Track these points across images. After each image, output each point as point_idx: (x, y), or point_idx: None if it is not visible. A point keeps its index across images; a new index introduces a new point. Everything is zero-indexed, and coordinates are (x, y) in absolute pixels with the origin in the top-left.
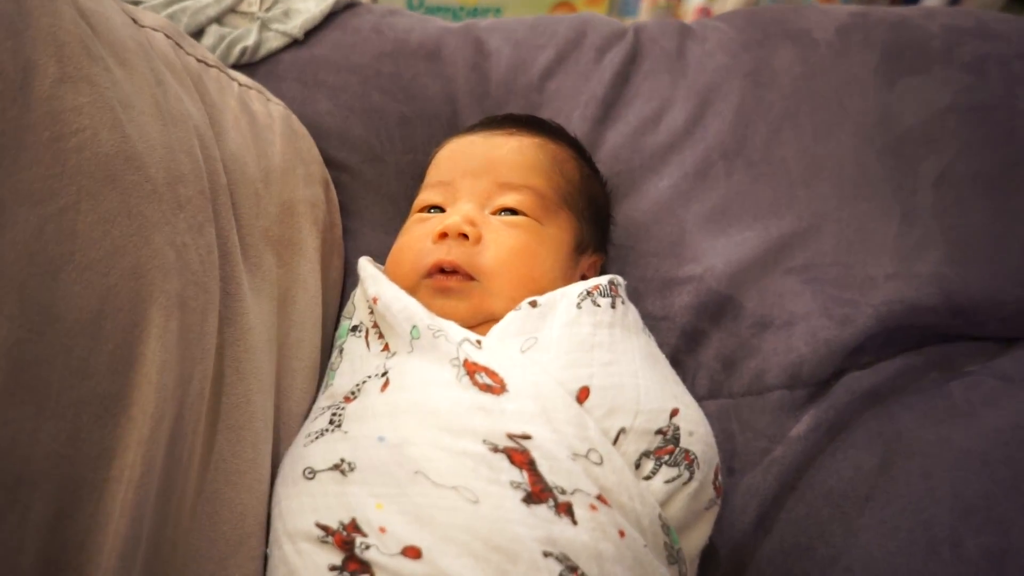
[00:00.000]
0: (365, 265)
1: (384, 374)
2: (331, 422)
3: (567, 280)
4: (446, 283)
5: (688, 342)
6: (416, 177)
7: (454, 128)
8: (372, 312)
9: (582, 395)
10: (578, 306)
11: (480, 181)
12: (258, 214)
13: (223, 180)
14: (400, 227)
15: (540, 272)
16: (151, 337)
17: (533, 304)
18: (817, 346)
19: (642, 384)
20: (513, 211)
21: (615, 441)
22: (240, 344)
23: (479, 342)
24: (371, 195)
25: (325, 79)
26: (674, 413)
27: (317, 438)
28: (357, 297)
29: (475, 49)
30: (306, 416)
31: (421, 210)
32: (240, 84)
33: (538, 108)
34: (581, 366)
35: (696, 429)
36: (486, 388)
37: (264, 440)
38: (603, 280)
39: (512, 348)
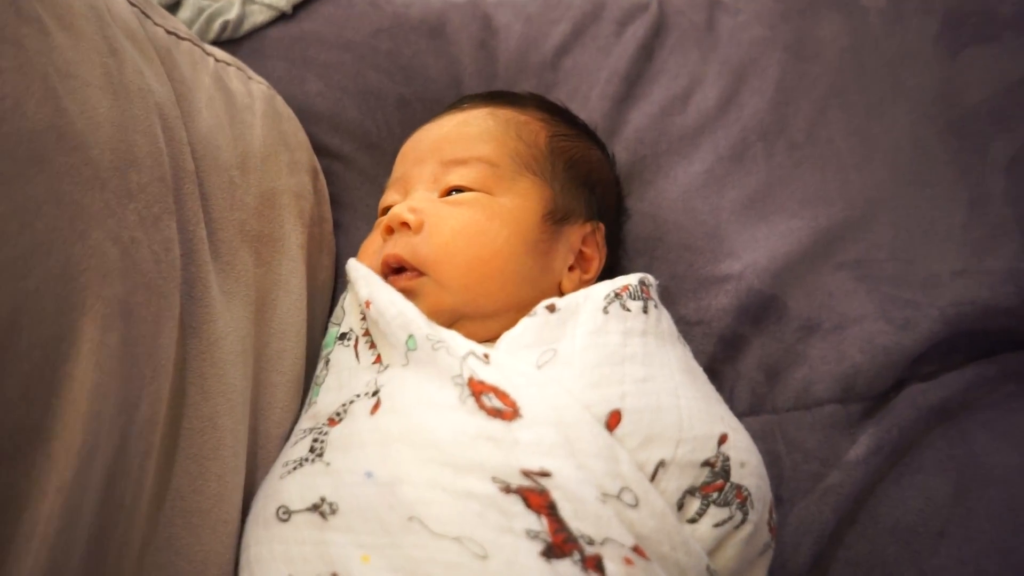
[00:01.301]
0: (356, 265)
1: (375, 393)
2: (312, 450)
3: (539, 256)
4: (397, 283)
5: (726, 349)
6: None
7: None
8: (364, 318)
9: (612, 420)
10: (604, 311)
11: (424, 165)
12: (232, 205)
13: (190, 166)
14: None
15: (492, 250)
16: (81, 354)
17: (551, 308)
18: (874, 354)
19: (684, 404)
20: (459, 189)
21: (653, 477)
22: (206, 357)
23: (487, 356)
24: (366, 185)
25: (315, 57)
26: (722, 440)
27: (295, 468)
28: (347, 301)
29: (482, 25)
30: (287, 439)
31: (382, 211)
32: (216, 60)
33: (552, 88)
34: (611, 384)
35: (748, 459)
36: (495, 413)
37: (233, 470)
38: (632, 280)
39: (526, 362)
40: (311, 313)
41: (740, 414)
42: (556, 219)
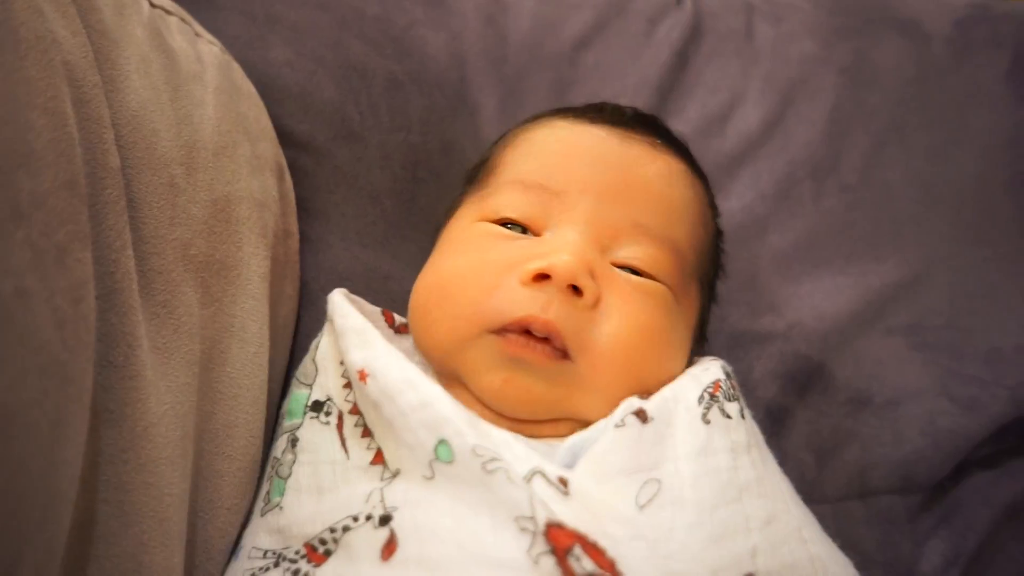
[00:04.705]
0: (342, 307)
1: (385, 520)
2: None
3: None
4: (527, 353)
5: (772, 423)
6: (409, 166)
7: (463, 101)
8: (349, 384)
9: None
10: (704, 419)
11: (612, 210)
12: (173, 219)
13: (114, 160)
14: (386, 236)
15: (665, 370)
16: None
17: (641, 416)
18: (937, 437)
19: (815, 553)
20: (638, 271)
21: None
22: (130, 458)
23: (564, 481)
24: (343, 188)
25: (283, 15)
26: None
27: None
28: (322, 352)
29: None
30: (232, 552)
31: (496, 220)
32: (153, 4)
33: (571, 86)
34: (736, 534)
35: None
36: None
37: None
38: (719, 373)
39: (623, 499)
40: (272, 368)
41: None
42: (698, 340)
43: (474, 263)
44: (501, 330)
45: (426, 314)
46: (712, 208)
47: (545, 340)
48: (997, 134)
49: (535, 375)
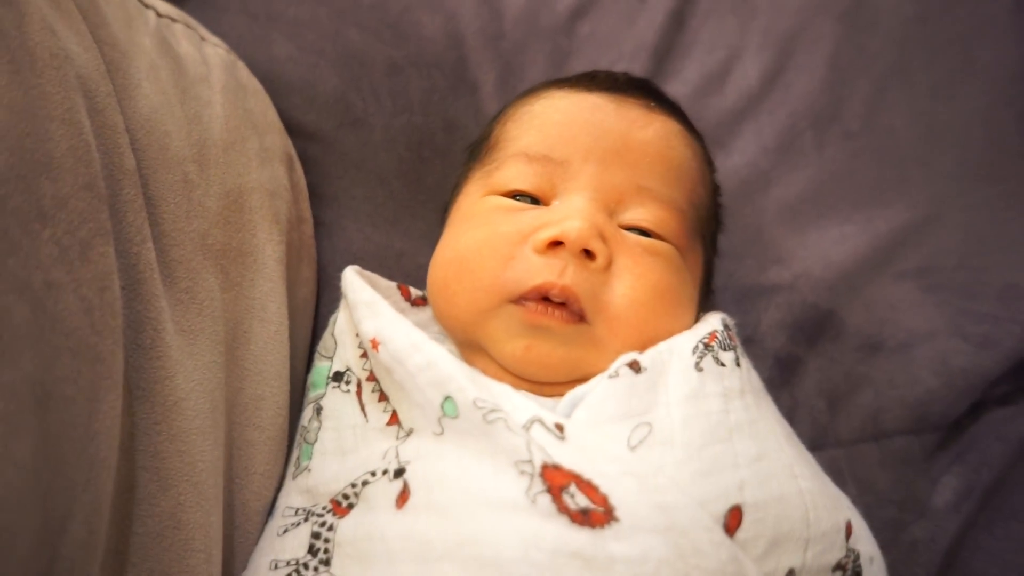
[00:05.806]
0: (354, 282)
1: (399, 473)
2: (312, 550)
3: None
4: (545, 319)
5: (782, 372)
6: (414, 147)
7: (462, 80)
8: (365, 354)
9: (732, 520)
10: (697, 367)
11: (614, 174)
12: (189, 212)
13: (130, 162)
14: (397, 215)
15: (676, 327)
16: None
17: (635, 367)
18: (951, 377)
19: (805, 488)
20: (646, 232)
21: None
22: (162, 429)
23: (560, 427)
24: (352, 172)
25: (283, 11)
26: (848, 530)
27: None
28: (339, 327)
29: None
30: (269, 512)
31: (504, 193)
32: (159, 14)
33: (568, 57)
34: (724, 469)
35: (875, 552)
36: (581, 517)
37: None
38: (717, 324)
39: (615, 441)
40: (292, 342)
41: None
42: (704, 296)
43: (488, 236)
44: (520, 299)
45: (445, 288)
46: (709, 165)
47: (562, 305)
48: (1004, 67)
49: (555, 340)
